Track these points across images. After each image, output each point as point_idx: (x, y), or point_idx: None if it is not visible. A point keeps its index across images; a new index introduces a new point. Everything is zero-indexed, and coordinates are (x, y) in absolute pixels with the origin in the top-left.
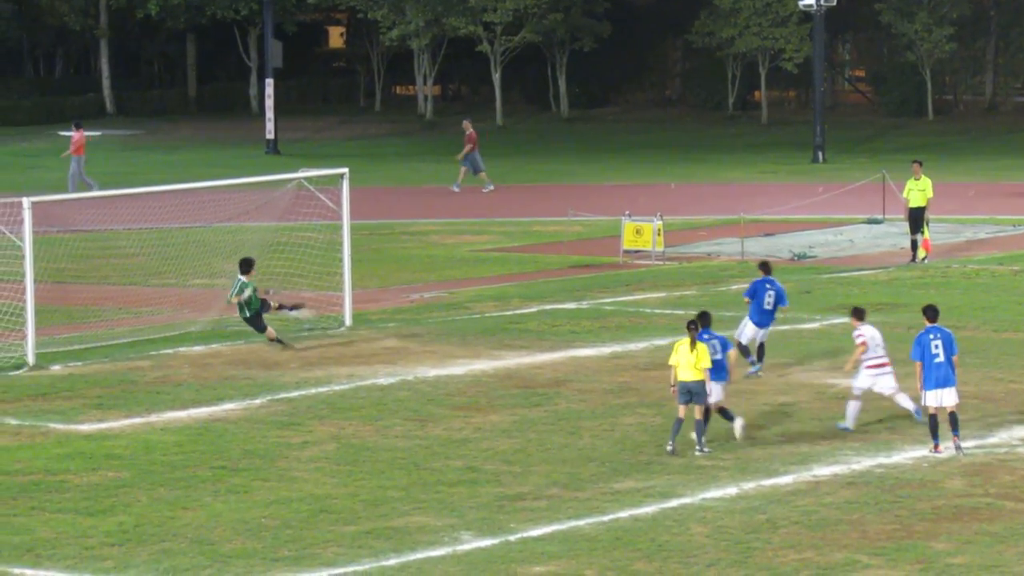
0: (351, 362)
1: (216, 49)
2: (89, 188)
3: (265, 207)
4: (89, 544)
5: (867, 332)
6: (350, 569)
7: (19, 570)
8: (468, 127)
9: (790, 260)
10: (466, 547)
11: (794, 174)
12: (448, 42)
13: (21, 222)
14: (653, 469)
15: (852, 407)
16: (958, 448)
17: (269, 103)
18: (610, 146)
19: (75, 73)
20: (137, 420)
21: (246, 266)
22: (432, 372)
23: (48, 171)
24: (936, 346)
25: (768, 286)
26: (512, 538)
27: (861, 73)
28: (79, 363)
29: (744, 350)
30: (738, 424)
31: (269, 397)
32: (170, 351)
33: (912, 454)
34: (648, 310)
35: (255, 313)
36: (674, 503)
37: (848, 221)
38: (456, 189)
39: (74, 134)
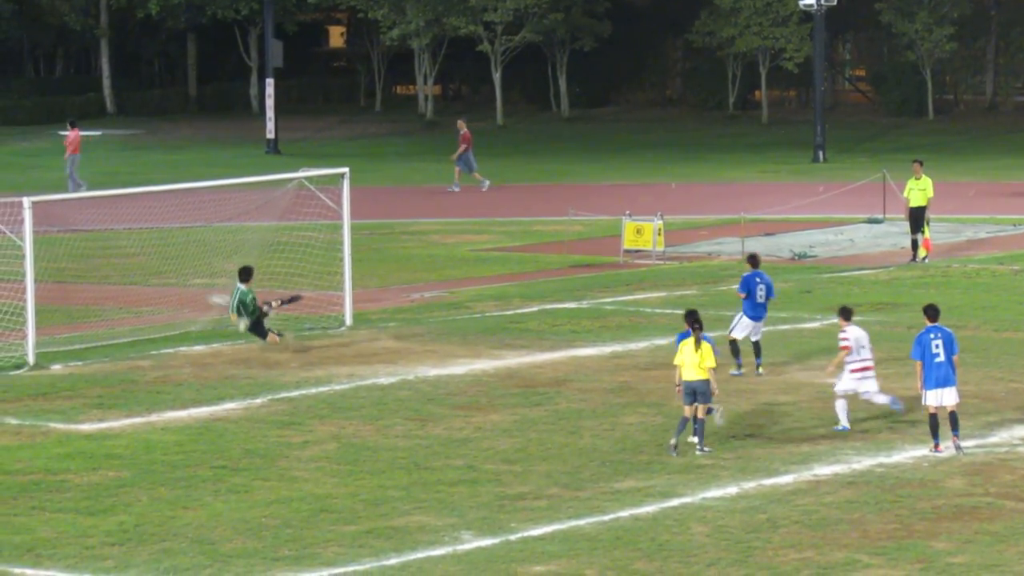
0: (351, 362)
1: (216, 49)
2: (78, 188)
3: (265, 207)
4: (89, 544)
5: (852, 334)
6: (351, 569)
7: (19, 570)
8: (462, 127)
9: (791, 260)
10: (467, 547)
11: (794, 174)
12: (448, 42)
13: (21, 222)
14: (654, 468)
15: (840, 407)
16: (958, 448)
17: (270, 103)
18: (610, 146)
19: (75, 73)
20: (138, 420)
21: (245, 275)
22: (433, 372)
23: (48, 171)
24: (937, 346)
25: (758, 279)
26: (513, 537)
27: (861, 73)
28: (79, 363)
29: (735, 349)
30: (717, 418)
31: (270, 396)
32: (170, 351)
33: (912, 454)
34: (649, 310)
35: (255, 321)
36: (675, 502)
37: (848, 221)
38: (456, 189)
39: (68, 133)
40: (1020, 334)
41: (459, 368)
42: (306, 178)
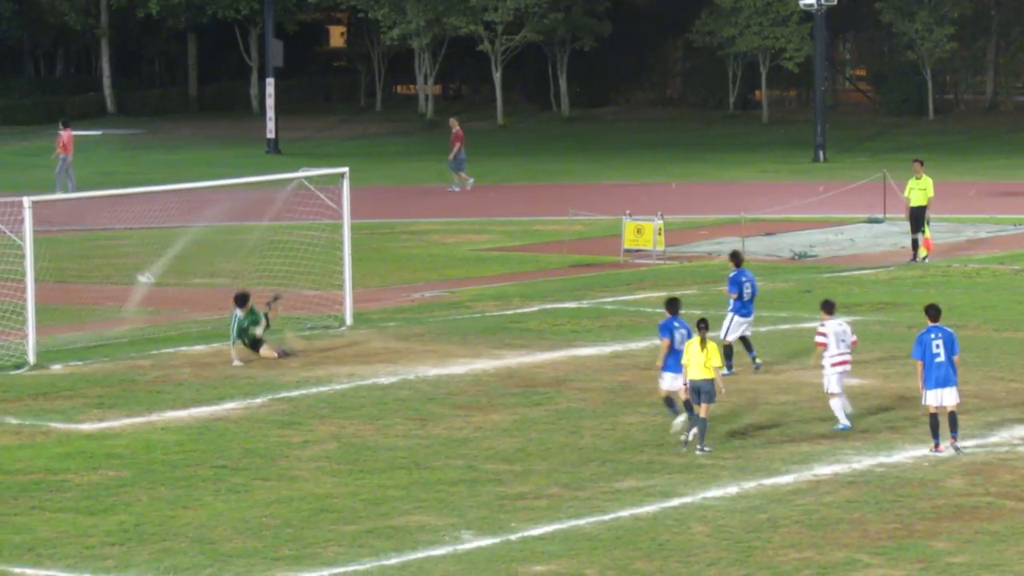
0: (352, 361)
1: (217, 48)
2: (70, 188)
3: (266, 206)
4: (90, 543)
5: (830, 328)
6: (351, 568)
7: (20, 569)
8: (455, 125)
9: (791, 259)
10: (467, 546)
11: (795, 173)
12: (449, 41)
13: (22, 221)
14: (654, 468)
15: (836, 405)
16: (956, 449)
17: (270, 102)
18: (611, 145)
19: (76, 72)
20: (138, 419)
21: (241, 300)
22: (433, 371)
23: (49, 170)
24: (937, 345)
25: (744, 278)
26: (513, 537)
27: (862, 72)
28: (80, 362)
29: (728, 352)
30: (692, 432)
31: (270, 396)
32: (170, 351)
33: (913, 453)
34: (649, 309)
35: (253, 340)
36: (675, 502)
37: (849, 220)
38: (456, 189)
39: (61, 133)
40: (1020, 334)
41: (459, 368)
42: (306, 178)
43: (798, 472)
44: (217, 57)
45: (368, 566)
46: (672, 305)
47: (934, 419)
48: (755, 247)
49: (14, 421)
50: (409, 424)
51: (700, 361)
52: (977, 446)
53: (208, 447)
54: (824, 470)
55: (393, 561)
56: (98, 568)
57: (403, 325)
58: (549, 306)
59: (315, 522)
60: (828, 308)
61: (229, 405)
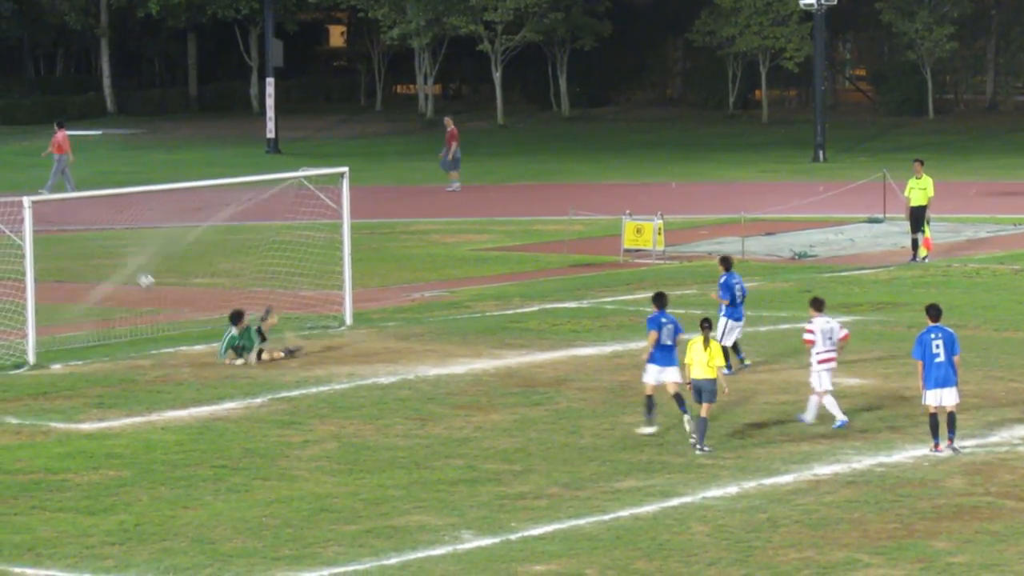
0: (352, 361)
1: (217, 48)
2: (60, 189)
3: (266, 206)
4: (90, 543)
5: (818, 325)
6: (351, 568)
7: (20, 569)
8: (449, 124)
9: (791, 259)
10: (467, 546)
11: (795, 173)
12: (449, 41)
13: (22, 221)
14: (654, 468)
15: (829, 403)
16: (953, 450)
17: (270, 102)
18: (611, 145)
19: (76, 72)
20: (138, 419)
21: (236, 318)
22: (433, 371)
23: (49, 170)
24: (937, 346)
25: (734, 281)
26: (513, 537)
27: (862, 72)
28: (80, 362)
29: (727, 354)
30: (687, 418)
31: (270, 396)
32: (170, 350)
33: (912, 453)
34: (649, 309)
35: (248, 350)
36: (675, 502)
37: (849, 220)
38: (455, 189)
39: (57, 133)
40: (1020, 334)
41: (459, 367)
42: (306, 177)
43: (798, 472)
44: (217, 57)
45: (368, 566)
46: (659, 299)
47: (934, 419)
48: (755, 247)
49: (14, 421)
50: (409, 424)
51: (703, 360)
52: (977, 446)
53: (208, 447)
54: (824, 470)
55: (393, 561)
56: (98, 568)
57: (403, 325)
58: (549, 306)
59: (315, 522)
60: (817, 305)
61: (229, 405)
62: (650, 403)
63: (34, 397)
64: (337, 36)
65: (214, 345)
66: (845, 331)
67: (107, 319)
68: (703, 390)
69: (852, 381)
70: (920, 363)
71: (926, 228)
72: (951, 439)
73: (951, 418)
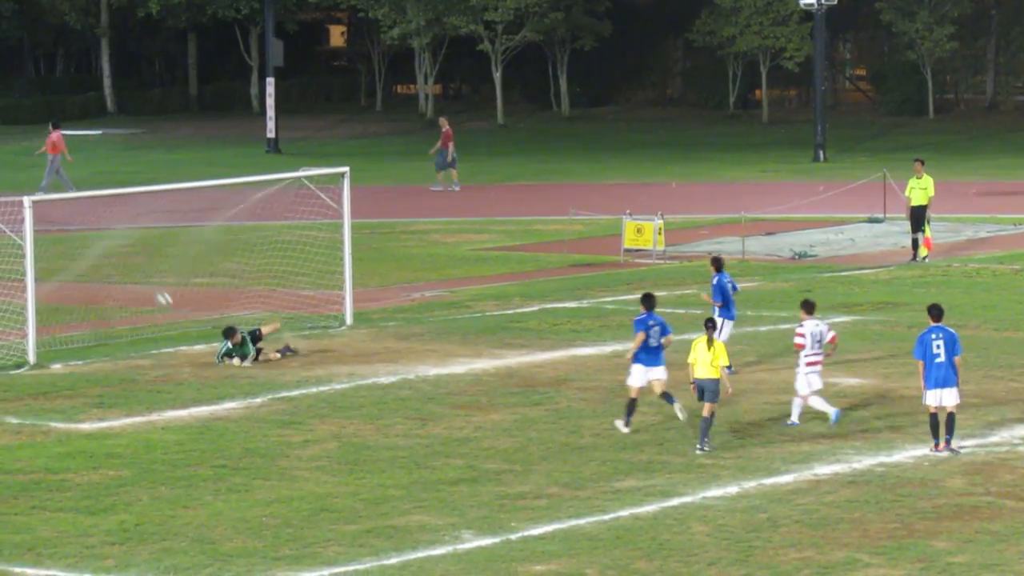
0: (352, 361)
1: (217, 48)
2: (56, 189)
3: (266, 206)
4: (90, 543)
5: (808, 328)
6: (351, 568)
7: (20, 569)
8: (444, 124)
9: (791, 259)
10: (467, 546)
11: (795, 173)
12: (449, 41)
13: (22, 221)
14: (654, 468)
15: (816, 402)
16: (951, 451)
17: (270, 102)
18: (611, 145)
19: (76, 72)
20: (138, 419)
21: (228, 333)
22: (433, 371)
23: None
24: (938, 346)
25: (726, 281)
26: (513, 537)
27: (862, 72)
28: (80, 362)
29: None
30: (678, 407)
31: (270, 396)
32: (170, 350)
33: (913, 453)
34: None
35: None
36: (675, 502)
37: (849, 220)
38: (456, 188)
39: (52, 133)
40: (1020, 333)
41: (459, 367)
42: (307, 177)
43: (798, 472)
44: (217, 57)
45: (368, 566)
46: (647, 301)
47: (934, 419)
48: (755, 247)
49: (14, 421)
50: (409, 424)
51: (707, 360)
52: (977, 446)
53: (208, 447)
54: (824, 470)
55: (393, 561)
56: (98, 568)
57: (403, 325)
58: (549, 306)
59: (315, 522)
60: (808, 307)
61: (229, 405)
62: (632, 406)
63: (34, 397)
64: (337, 36)
65: (214, 345)
66: (832, 333)
67: (107, 319)
68: (706, 389)
69: (852, 381)
70: (921, 363)
71: (926, 228)
72: (948, 441)
73: (950, 419)
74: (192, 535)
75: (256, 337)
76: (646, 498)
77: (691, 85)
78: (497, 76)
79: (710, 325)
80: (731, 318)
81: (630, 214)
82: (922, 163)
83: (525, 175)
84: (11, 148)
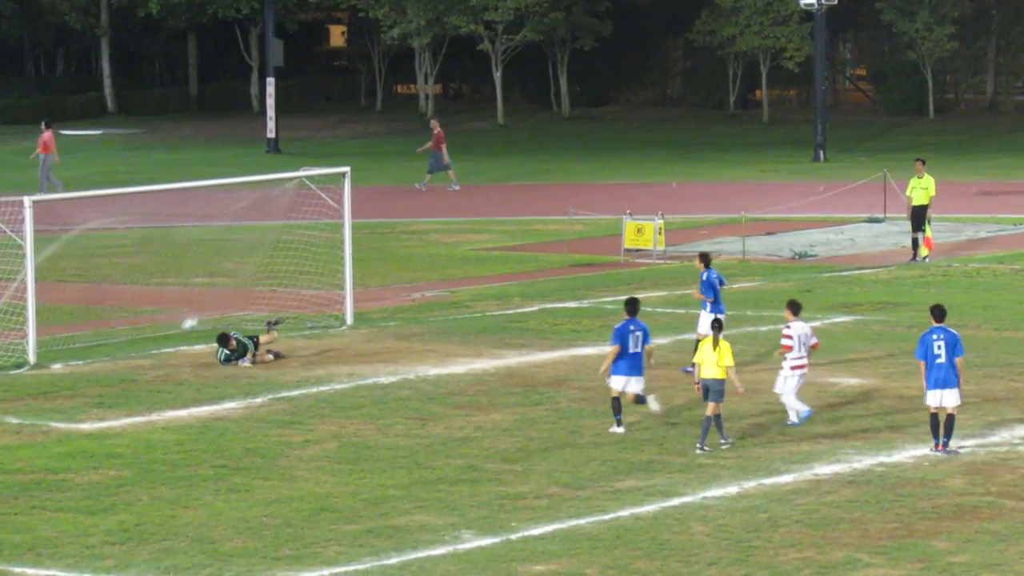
0: (352, 361)
1: (217, 48)
2: (54, 188)
3: (266, 206)
4: (90, 543)
5: (796, 330)
6: (351, 568)
7: (20, 569)
8: (436, 126)
9: (791, 259)
10: (467, 546)
11: (795, 173)
12: (449, 41)
13: (22, 221)
14: (654, 468)
15: (789, 400)
16: (948, 452)
17: (270, 102)
18: (611, 145)
19: (76, 72)
20: (138, 419)
21: (223, 341)
22: (433, 371)
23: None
24: (939, 347)
25: (715, 276)
26: (513, 537)
27: (862, 72)
28: (80, 362)
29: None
30: (651, 398)
31: (270, 396)
32: (170, 350)
33: (913, 453)
34: (649, 309)
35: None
36: (675, 502)
37: (849, 220)
38: (455, 188)
39: (44, 133)
40: (1020, 333)
41: (460, 367)
42: (307, 177)
43: (798, 472)
44: (217, 57)
45: (368, 566)
46: (631, 306)
47: (934, 419)
48: (755, 247)
49: (14, 421)
50: (409, 424)
51: (712, 360)
52: (977, 446)
53: (208, 447)
54: (824, 470)
55: (393, 561)
56: (98, 568)
57: (403, 325)
58: (549, 306)
59: (315, 522)
60: (794, 309)
61: (229, 405)
62: (617, 404)
63: (34, 397)
64: (337, 36)
65: (215, 345)
66: (815, 339)
67: (107, 319)
68: (711, 389)
69: (852, 381)
70: (922, 363)
71: (927, 227)
72: (945, 442)
73: (949, 421)
74: (192, 535)
75: (255, 344)
76: (646, 498)
77: (691, 85)
78: (497, 76)
79: (716, 326)
80: (720, 312)
81: (630, 214)
82: (923, 163)
83: (525, 175)
84: (11, 148)
